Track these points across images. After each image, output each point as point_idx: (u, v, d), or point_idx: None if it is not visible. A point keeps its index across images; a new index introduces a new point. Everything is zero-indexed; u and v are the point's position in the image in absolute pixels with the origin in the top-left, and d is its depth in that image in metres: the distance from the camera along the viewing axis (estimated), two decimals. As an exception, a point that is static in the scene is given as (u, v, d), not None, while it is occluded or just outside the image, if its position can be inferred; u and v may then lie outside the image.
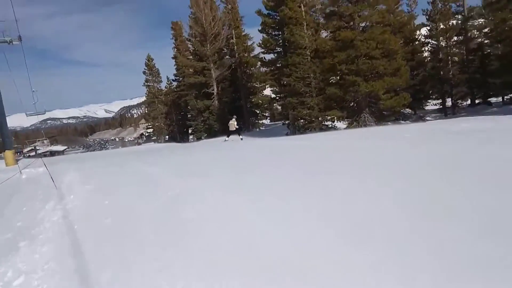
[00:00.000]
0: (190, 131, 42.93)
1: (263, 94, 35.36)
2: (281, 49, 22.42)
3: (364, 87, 18.12)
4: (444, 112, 25.50)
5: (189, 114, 41.56)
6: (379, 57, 18.25)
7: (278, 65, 23.31)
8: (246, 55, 33.25)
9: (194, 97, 34.37)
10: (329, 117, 20.19)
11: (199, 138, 42.56)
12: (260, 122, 34.66)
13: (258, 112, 34.17)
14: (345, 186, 3.92)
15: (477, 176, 3.72)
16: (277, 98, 24.06)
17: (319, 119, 20.51)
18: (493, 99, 26.98)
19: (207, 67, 31.65)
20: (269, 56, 25.44)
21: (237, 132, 21.52)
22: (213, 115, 32.00)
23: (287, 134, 25.02)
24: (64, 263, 2.98)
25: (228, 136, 21.17)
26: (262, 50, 23.52)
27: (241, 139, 20.73)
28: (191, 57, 35.09)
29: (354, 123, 19.68)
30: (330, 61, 19.65)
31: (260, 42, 23.73)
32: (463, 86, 24.78)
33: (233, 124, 21.02)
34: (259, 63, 32.97)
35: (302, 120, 21.56)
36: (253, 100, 33.69)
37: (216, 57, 31.76)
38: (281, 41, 22.79)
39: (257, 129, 32.62)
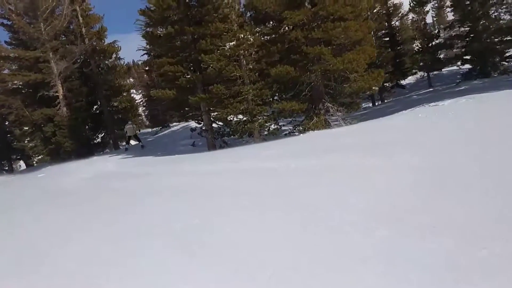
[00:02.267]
0: (18, 155, 30.41)
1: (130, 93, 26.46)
2: (181, 15, 14.57)
3: (338, 63, 12.11)
4: (372, 101, 21.71)
5: (16, 130, 29.26)
6: (350, 17, 12.49)
7: (177, 41, 15.31)
8: (101, 41, 23.81)
9: (24, 106, 23.06)
10: (276, 113, 13.51)
11: (30, 165, 30.77)
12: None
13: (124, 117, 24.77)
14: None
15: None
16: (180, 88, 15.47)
17: (261, 118, 13.63)
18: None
19: (43, 57, 21.02)
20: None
21: (137, 137, 20.87)
22: (61, 129, 21.49)
23: (193, 145, 17.43)
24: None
25: (128, 144, 20.70)
26: (146, 19, 15.24)
27: (142, 146, 19.78)
28: (8, 46, 23.43)
29: (315, 118, 13.51)
30: (275, 26, 13.10)
31: (145, 8, 15.26)
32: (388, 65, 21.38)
33: (131, 128, 20.20)
34: (118, 52, 24.14)
35: (235, 120, 14.27)
36: (114, 104, 24.48)
37: (57, 43, 21.41)
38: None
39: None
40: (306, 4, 13.07)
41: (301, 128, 14.34)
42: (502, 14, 16.30)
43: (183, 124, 25.53)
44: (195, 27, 14.09)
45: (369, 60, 12.69)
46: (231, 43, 13.37)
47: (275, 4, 12.57)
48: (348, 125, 13.48)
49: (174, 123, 29.48)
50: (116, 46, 24.04)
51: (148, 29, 33.31)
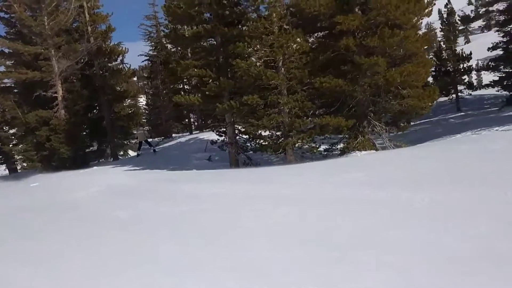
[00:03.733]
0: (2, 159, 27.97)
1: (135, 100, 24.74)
2: (212, 13, 13.10)
3: (395, 75, 10.69)
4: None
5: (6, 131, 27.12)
6: (407, 25, 11.16)
7: (204, 43, 13.77)
8: (106, 42, 22.01)
9: (17, 106, 21.02)
10: (320, 128, 11.91)
11: (13, 171, 28.46)
12: (131, 141, 23.35)
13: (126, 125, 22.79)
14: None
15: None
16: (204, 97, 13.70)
17: (299, 134, 12.01)
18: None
19: (44, 54, 19.11)
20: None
21: (149, 143, 20.12)
22: (57, 134, 19.43)
23: (209, 159, 15.74)
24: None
25: (139, 149, 19.83)
26: (170, 17, 13.68)
27: (154, 151, 19.42)
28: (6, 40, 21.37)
29: (360, 137, 12.01)
30: (324, 32, 11.71)
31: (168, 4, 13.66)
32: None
33: (142, 134, 20.05)
34: (125, 55, 22.38)
35: (267, 134, 12.64)
36: (117, 111, 22.55)
37: (60, 40, 19.53)
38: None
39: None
40: (356, 10, 11.73)
41: (340, 147, 12.87)
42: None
43: (188, 135, 23.79)
44: (229, 27, 12.57)
45: (429, 75, 11.36)
46: (269, 48, 11.85)
47: (325, 7, 11.16)
48: (395, 147, 12.06)
49: (174, 134, 27.69)
50: (123, 47, 22.31)
51: (152, 33, 31.77)
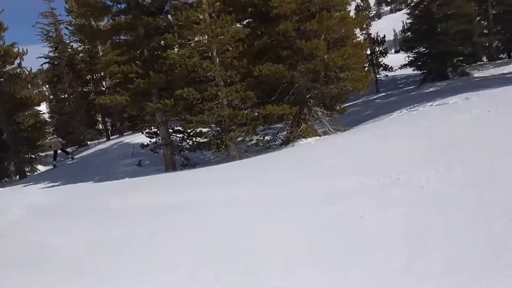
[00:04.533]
0: None
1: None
2: (128, 4, 11.78)
3: (336, 58, 10.48)
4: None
5: None
6: (342, 7, 11.06)
7: (125, 36, 12.36)
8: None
9: None
10: (262, 119, 11.30)
11: None
12: (41, 154, 20.48)
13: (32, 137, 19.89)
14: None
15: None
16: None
17: (239, 128, 11.27)
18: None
19: None
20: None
21: (65, 151, 18.47)
22: None
23: (139, 164, 14.41)
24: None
25: (55, 159, 17.94)
26: (83, 9, 12.04)
27: (72, 158, 17.93)
28: None
29: (303, 124, 11.68)
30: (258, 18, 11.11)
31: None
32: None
33: (56, 142, 17.46)
34: (23, 57, 19.53)
35: (208, 130, 11.71)
36: (19, 121, 19.63)
37: None
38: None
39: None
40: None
41: (282, 136, 12.49)
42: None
43: (106, 141, 21.73)
44: (153, 17, 11.37)
45: (366, 56, 11.42)
46: (201, 37, 10.96)
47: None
48: (338, 132, 11.99)
49: (89, 142, 25.16)
50: (19, 49, 19.41)
51: (51, 32, 28.37)
